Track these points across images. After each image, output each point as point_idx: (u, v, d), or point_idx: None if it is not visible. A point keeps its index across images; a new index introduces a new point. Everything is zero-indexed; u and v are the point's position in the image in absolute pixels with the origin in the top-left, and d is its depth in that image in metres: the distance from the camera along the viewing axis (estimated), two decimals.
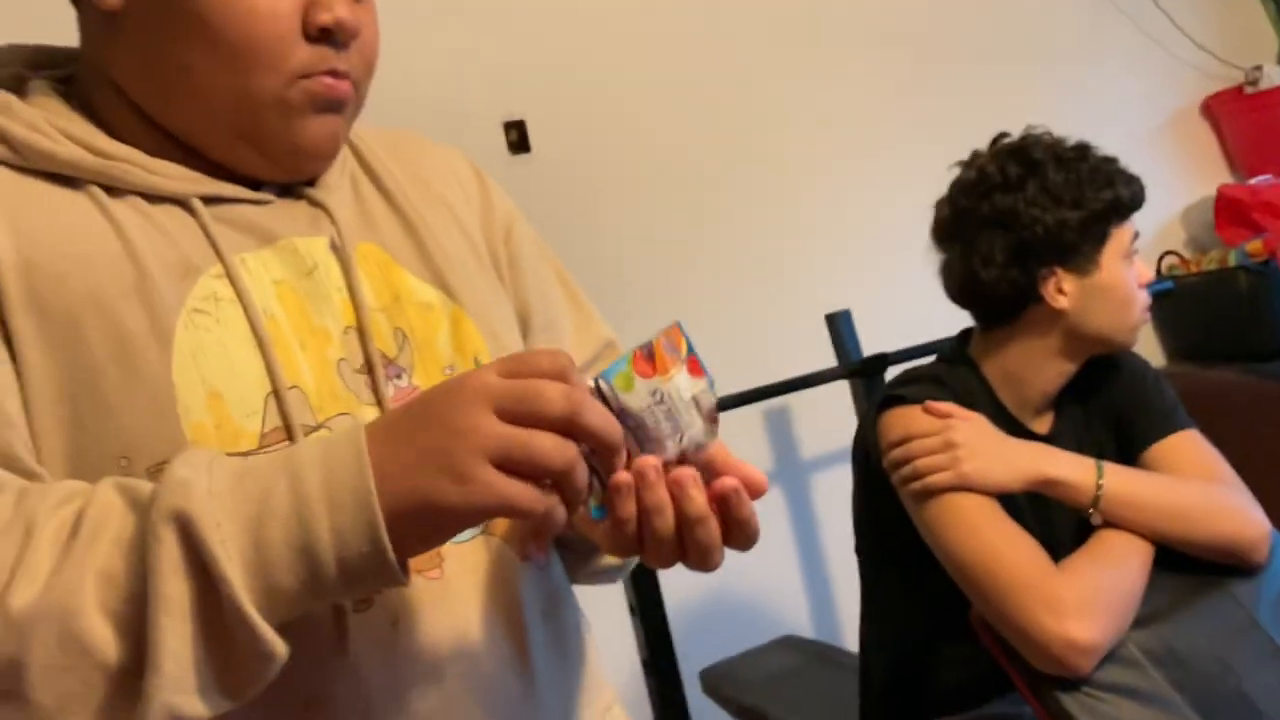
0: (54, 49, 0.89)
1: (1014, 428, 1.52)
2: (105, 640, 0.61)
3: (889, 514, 1.51)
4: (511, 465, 0.62)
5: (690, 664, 2.22)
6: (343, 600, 0.74)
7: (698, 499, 0.68)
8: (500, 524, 0.85)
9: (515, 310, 0.96)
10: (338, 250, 0.84)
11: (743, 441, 2.74)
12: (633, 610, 2.18)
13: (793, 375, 2.43)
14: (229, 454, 0.70)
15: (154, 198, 0.79)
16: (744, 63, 2.83)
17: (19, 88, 0.82)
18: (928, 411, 1.47)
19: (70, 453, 0.71)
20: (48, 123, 0.78)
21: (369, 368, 0.81)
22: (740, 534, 0.70)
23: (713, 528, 0.69)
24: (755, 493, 0.71)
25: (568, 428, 0.63)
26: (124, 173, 0.78)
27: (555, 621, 0.88)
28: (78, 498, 0.65)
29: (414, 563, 0.70)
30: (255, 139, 0.81)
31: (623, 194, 2.68)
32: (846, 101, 2.91)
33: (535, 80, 2.60)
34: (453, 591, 0.80)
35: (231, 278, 0.77)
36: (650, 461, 0.67)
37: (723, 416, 2.44)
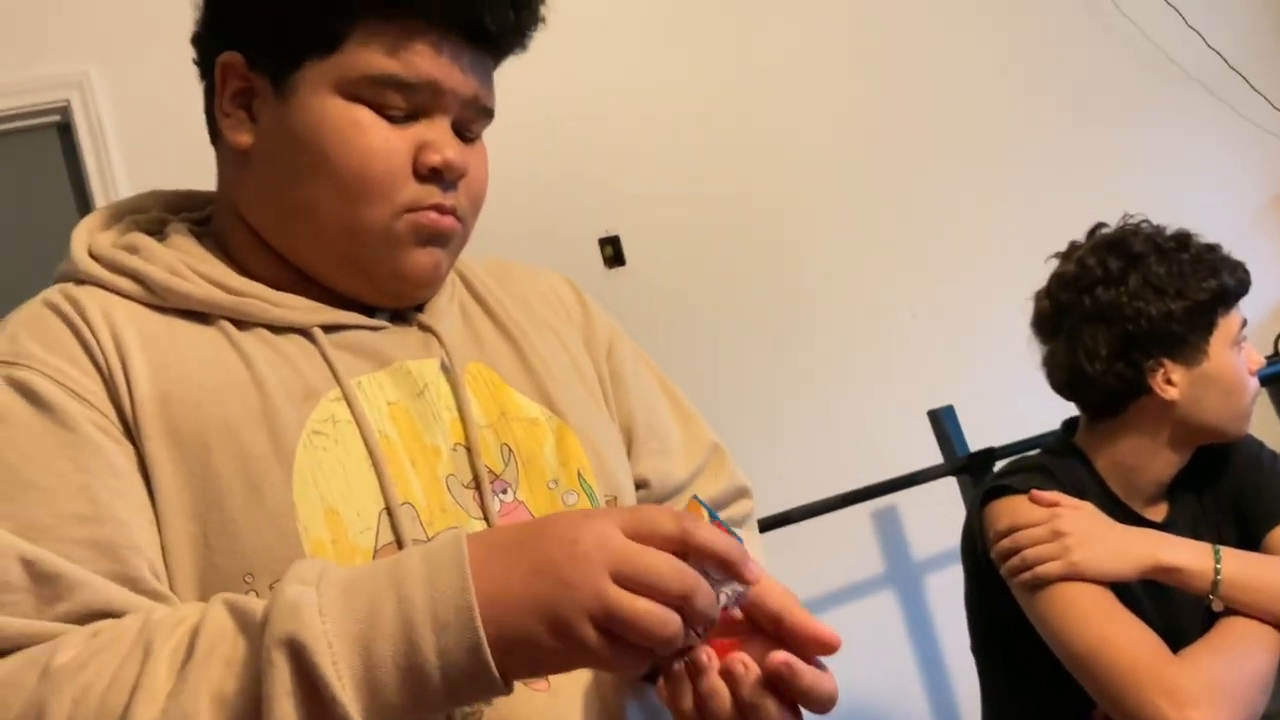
0: (193, 193, 0.97)
1: (1126, 516, 1.49)
2: None
3: (1002, 608, 1.48)
4: (615, 631, 0.63)
5: None
6: (450, 710, 0.76)
7: (747, 682, 0.68)
8: None
9: (620, 423, 1.00)
10: (447, 370, 0.88)
11: (851, 543, 2.71)
12: None
13: (898, 474, 2.41)
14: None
15: (278, 328, 0.85)
16: (835, 170, 2.88)
17: (160, 230, 0.91)
18: (1034, 500, 1.45)
19: (200, 570, 0.76)
20: (183, 264, 0.85)
21: (476, 483, 0.85)
22: (807, 704, 0.70)
23: (769, 710, 0.68)
24: (823, 650, 0.71)
25: (679, 606, 0.64)
26: (251, 308, 0.84)
27: None
28: (192, 616, 0.68)
29: None
30: (364, 266, 0.87)
31: (718, 301, 2.73)
32: (940, 197, 2.93)
33: (629, 196, 2.69)
34: (559, 703, 0.81)
35: (348, 400, 0.82)
36: (704, 649, 0.69)
37: (829, 518, 2.43)
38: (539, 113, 2.68)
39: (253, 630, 0.66)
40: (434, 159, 0.84)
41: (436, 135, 0.85)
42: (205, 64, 0.89)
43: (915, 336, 2.82)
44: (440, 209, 0.86)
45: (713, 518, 0.71)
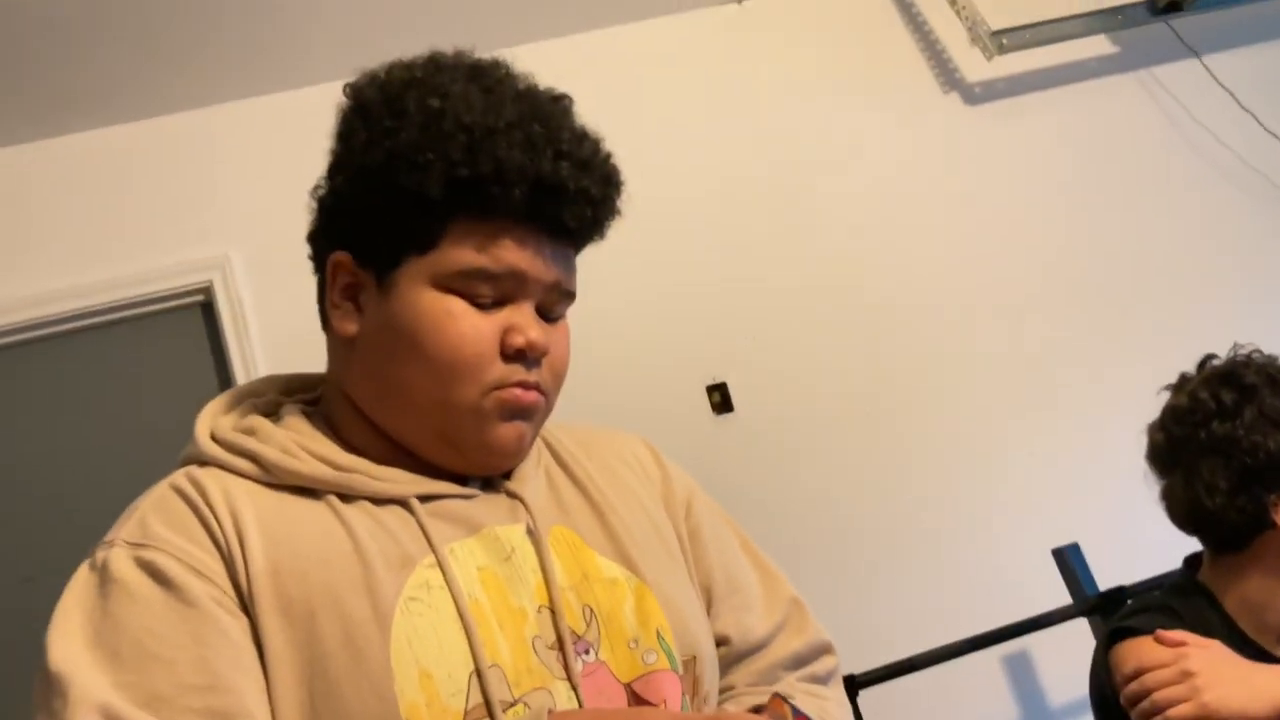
0: (305, 376, 1.06)
1: (1258, 655, 1.44)
2: None
3: None
4: None
5: None
6: None
7: None
8: None
9: (700, 581, 1.03)
10: (533, 535, 0.94)
11: (982, 690, 2.63)
12: None
13: (1026, 616, 2.35)
14: None
15: (380, 500, 0.91)
16: (942, 304, 2.90)
17: (275, 412, 0.99)
18: (1160, 641, 1.41)
19: None
20: (295, 443, 0.93)
21: (560, 644, 0.89)
22: None
23: None
24: None
25: None
26: (356, 482, 0.91)
27: None
28: None
29: None
30: (455, 439, 0.93)
31: (829, 444, 2.74)
32: (1051, 331, 2.92)
33: (735, 341, 2.74)
34: None
35: (442, 567, 0.88)
36: None
37: (958, 663, 2.37)
38: (642, 256, 2.78)
39: None
40: (519, 340, 0.92)
41: (521, 319, 0.93)
42: (318, 260, 0.99)
43: (1031, 474, 2.77)
44: (524, 385, 0.93)
45: (795, 713, 0.73)
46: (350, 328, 0.95)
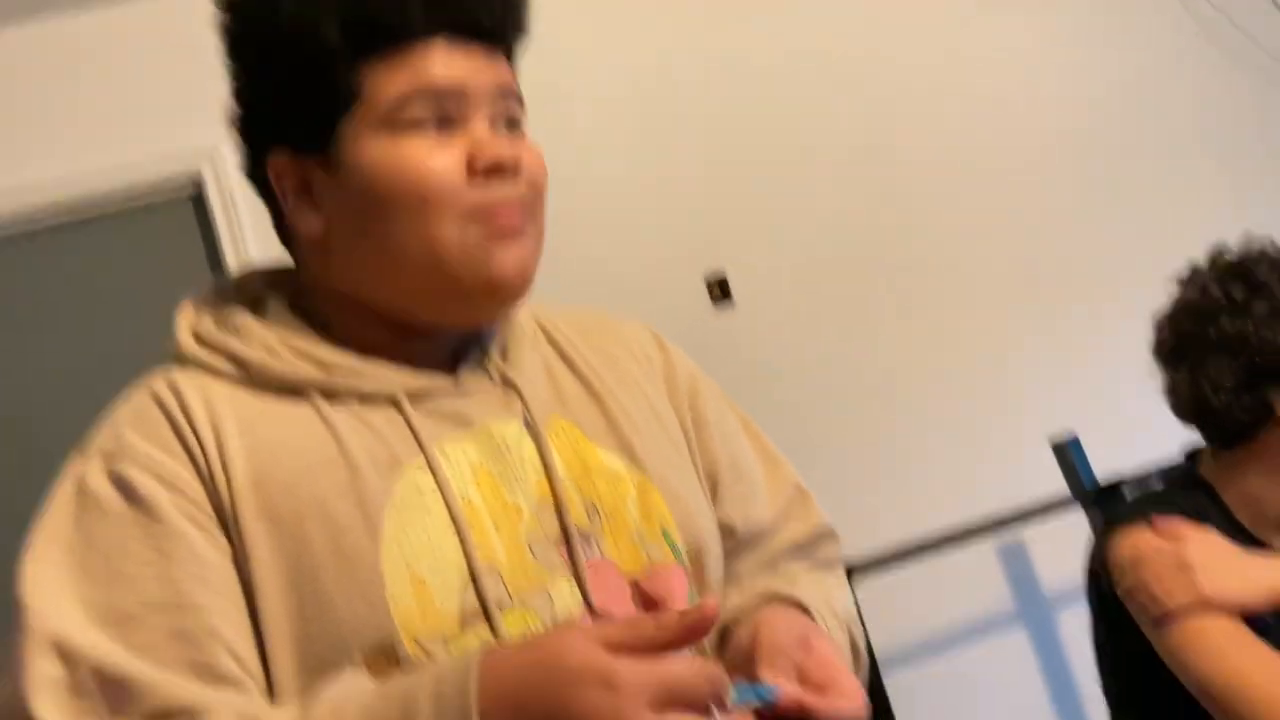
0: (291, 268, 1.01)
1: (1255, 547, 1.44)
2: None
3: (1131, 647, 1.44)
4: None
5: None
6: None
7: None
8: None
9: (704, 468, 1.01)
10: (531, 428, 0.91)
11: (980, 581, 2.66)
12: None
13: (1022, 508, 2.37)
14: (432, 637, 0.80)
15: (367, 398, 0.89)
16: (947, 200, 2.87)
17: (259, 307, 0.95)
18: (1156, 530, 1.41)
19: (297, 639, 0.80)
20: (279, 340, 0.90)
21: (566, 539, 0.87)
22: None
23: None
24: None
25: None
26: (341, 381, 0.88)
27: None
28: None
29: None
30: (454, 285, 0.88)
31: (828, 335, 2.72)
32: (1054, 217, 2.89)
33: (736, 232, 2.71)
34: None
35: (432, 468, 0.85)
36: None
37: (954, 556, 2.40)
38: (643, 147, 2.73)
39: None
40: (484, 158, 0.87)
41: (479, 136, 0.88)
42: (262, 185, 0.94)
43: (1036, 364, 2.76)
44: (506, 202, 0.89)
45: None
46: (315, 225, 0.91)
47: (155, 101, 2.69)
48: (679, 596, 0.90)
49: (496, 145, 0.88)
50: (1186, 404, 1.53)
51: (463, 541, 0.83)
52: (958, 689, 2.58)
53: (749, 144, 2.83)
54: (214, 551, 0.81)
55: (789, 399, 2.59)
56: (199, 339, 0.92)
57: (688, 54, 2.85)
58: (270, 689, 0.80)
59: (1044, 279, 2.84)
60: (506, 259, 0.89)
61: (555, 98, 2.26)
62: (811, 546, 1.05)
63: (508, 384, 0.94)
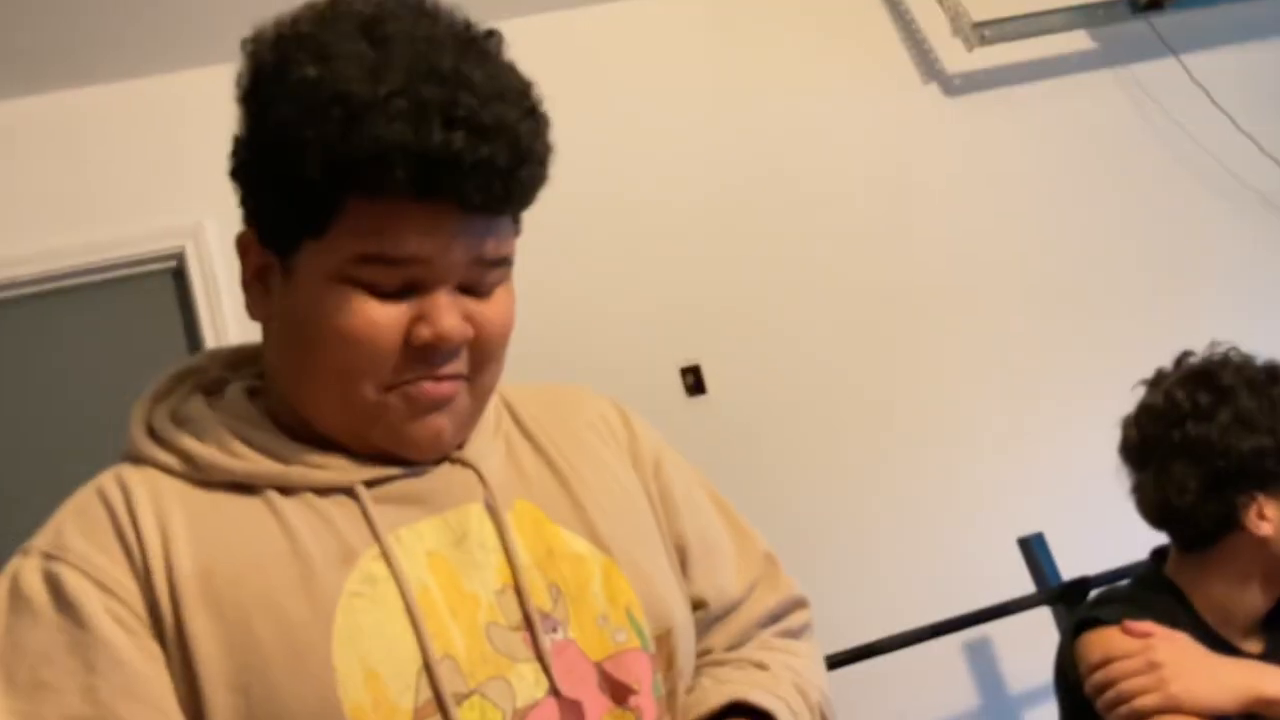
0: (252, 348, 0.98)
1: (1223, 649, 1.45)
2: None
3: None
4: None
5: None
6: None
7: None
8: None
9: (673, 541, 1.00)
10: (492, 512, 0.89)
11: (943, 677, 2.65)
12: None
13: (988, 604, 2.37)
14: None
15: (323, 490, 0.86)
16: (914, 296, 2.91)
17: (219, 390, 0.94)
18: (1126, 632, 1.42)
19: None
20: (233, 433, 0.88)
21: (528, 624, 0.85)
22: None
23: None
24: None
25: None
26: (296, 475, 0.86)
27: None
28: None
29: None
30: (367, 438, 0.87)
31: (800, 429, 2.75)
32: (1023, 318, 2.94)
33: (710, 324, 2.74)
34: None
35: (386, 556, 0.83)
36: None
37: (921, 650, 2.39)
38: (620, 239, 2.77)
39: None
40: (425, 334, 0.83)
41: (431, 307, 0.83)
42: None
43: (999, 464, 2.79)
44: (436, 379, 0.85)
45: None
46: (261, 312, 0.89)
47: (143, 178, 2.71)
48: (643, 682, 0.88)
49: (444, 321, 0.83)
50: (1152, 506, 1.55)
51: (417, 632, 0.81)
52: None
53: (724, 239, 2.88)
54: (142, 659, 0.80)
55: (760, 493, 2.59)
56: (152, 434, 0.90)
57: (665, 150, 2.92)
58: None
59: (1014, 379, 2.88)
60: (423, 430, 0.87)
61: None
62: (782, 615, 1.05)
63: (468, 466, 0.91)
